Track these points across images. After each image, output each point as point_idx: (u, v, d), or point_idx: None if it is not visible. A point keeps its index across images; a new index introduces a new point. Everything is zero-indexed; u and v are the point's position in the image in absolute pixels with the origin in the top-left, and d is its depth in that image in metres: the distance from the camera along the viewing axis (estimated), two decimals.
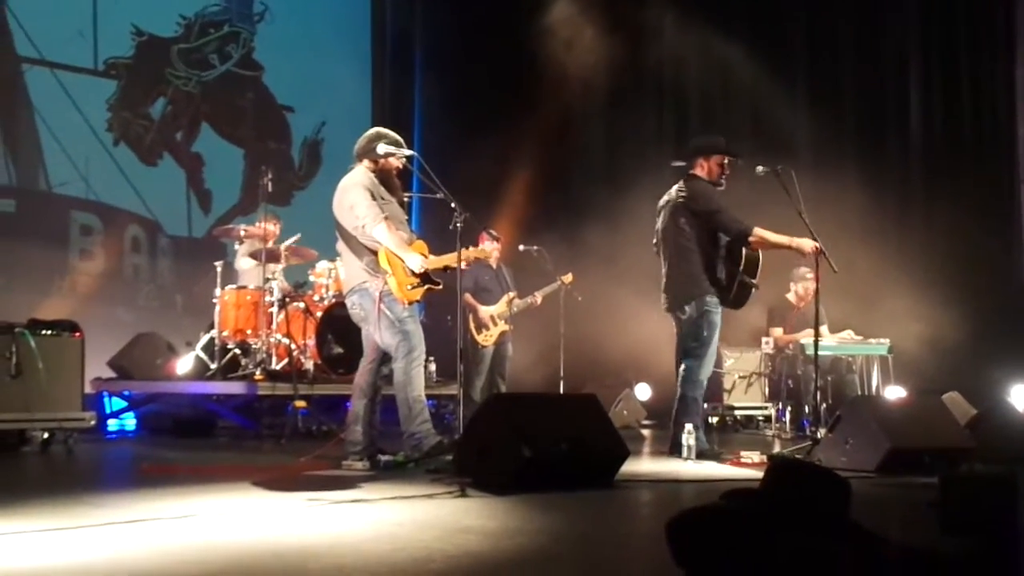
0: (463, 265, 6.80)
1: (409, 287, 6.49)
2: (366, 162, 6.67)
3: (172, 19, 12.88)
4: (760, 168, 7.46)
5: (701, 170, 7.52)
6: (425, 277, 6.53)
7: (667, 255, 7.56)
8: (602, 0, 12.33)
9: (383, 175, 6.66)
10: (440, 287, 6.64)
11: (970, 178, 11.34)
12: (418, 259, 6.47)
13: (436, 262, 6.65)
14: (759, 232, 7.26)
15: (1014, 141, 11.56)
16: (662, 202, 7.68)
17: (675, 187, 7.59)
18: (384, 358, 6.63)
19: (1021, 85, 11.51)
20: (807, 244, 7.20)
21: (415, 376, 6.49)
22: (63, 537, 3.99)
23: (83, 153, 11.85)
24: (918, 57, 12.01)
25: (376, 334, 6.52)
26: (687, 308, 7.37)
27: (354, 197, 6.49)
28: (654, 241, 7.73)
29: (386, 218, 6.46)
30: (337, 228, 6.65)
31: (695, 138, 7.93)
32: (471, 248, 7.39)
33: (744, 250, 7.32)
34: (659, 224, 7.66)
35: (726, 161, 7.54)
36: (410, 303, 6.53)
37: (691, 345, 7.37)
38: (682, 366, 7.41)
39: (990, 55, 11.73)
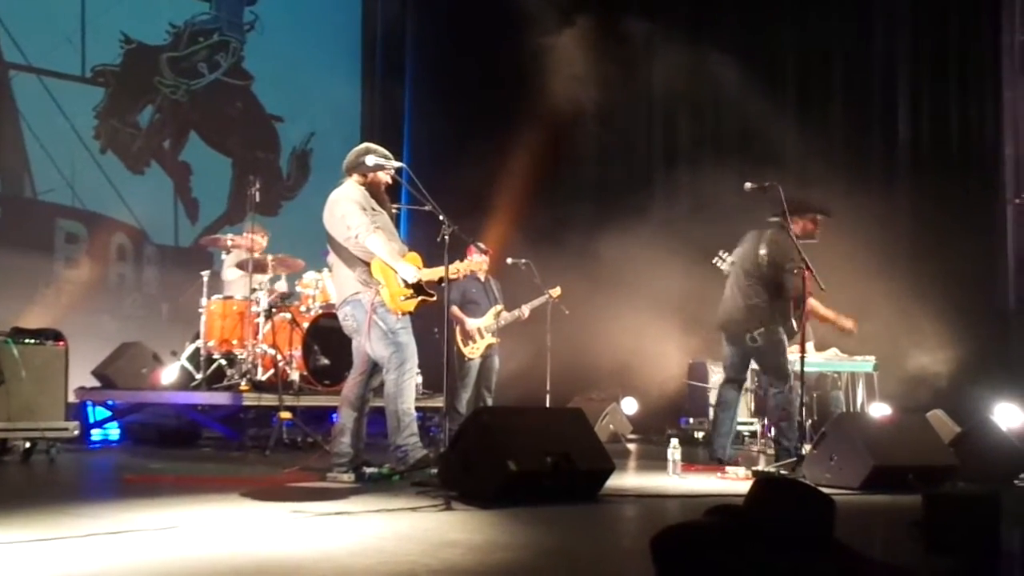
0: (456, 276, 6.84)
1: (402, 298, 6.49)
2: (355, 176, 6.68)
3: (161, 27, 12.86)
4: (748, 184, 7.55)
5: (796, 226, 7.92)
6: (418, 288, 6.53)
7: (738, 284, 8.04)
8: (593, 13, 12.36)
9: (372, 189, 6.68)
10: (434, 298, 6.65)
11: (957, 198, 11.39)
12: (412, 269, 6.47)
13: (430, 274, 6.65)
14: (812, 302, 7.87)
15: (1000, 162, 11.61)
16: (751, 234, 8.06)
17: (769, 230, 7.98)
18: (374, 370, 6.62)
19: (1008, 106, 11.57)
20: (849, 323, 8.06)
21: (406, 388, 6.49)
22: (43, 548, 3.97)
23: (69, 160, 11.82)
24: (907, 77, 12.06)
25: (367, 345, 6.51)
26: (758, 337, 7.88)
27: (346, 208, 6.50)
28: (727, 260, 8.22)
29: (378, 228, 6.47)
30: (329, 241, 6.65)
31: (791, 195, 8.12)
32: (461, 261, 7.41)
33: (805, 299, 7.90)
34: (739, 250, 8.14)
35: (819, 219, 8.06)
36: (403, 314, 6.53)
37: (774, 372, 7.92)
38: (776, 390, 7.90)
39: (978, 76, 11.79)
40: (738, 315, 8.02)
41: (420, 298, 6.55)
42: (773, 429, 8.18)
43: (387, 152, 6.79)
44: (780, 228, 7.91)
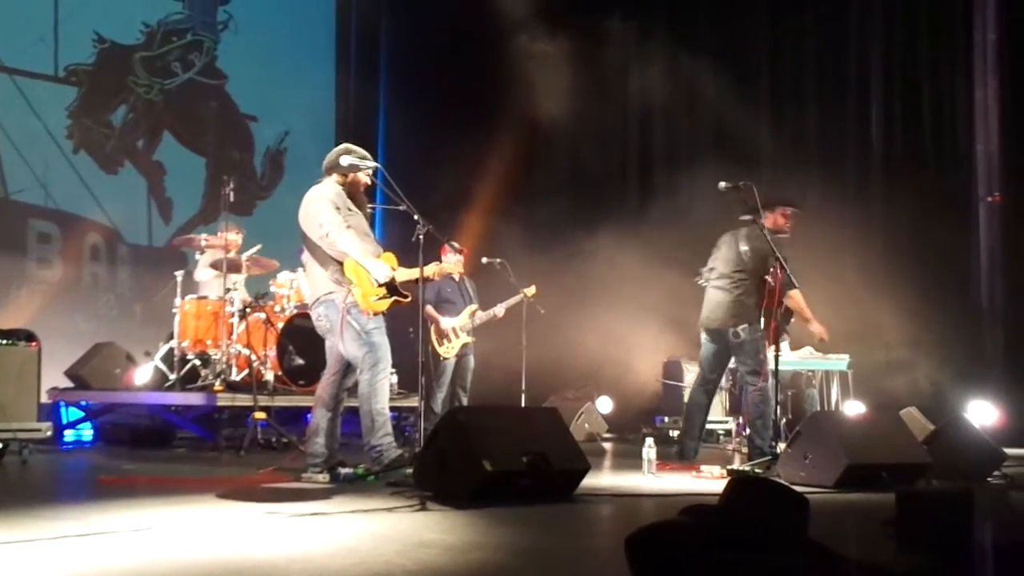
0: (431, 278, 6.83)
1: (374, 298, 6.46)
2: (335, 176, 6.66)
3: (135, 26, 12.78)
4: (722, 184, 7.61)
5: (767, 221, 8.10)
6: (392, 289, 6.51)
7: (722, 284, 8.20)
8: (570, 14, 12.37)
9: (351, 189, 6.66)
10: (408, 299, 6.63)
11: (930, 196, 11.46)
12: (384, 269, 6.45)
13: (405, 275, 6.64)
14: (795, 294, 8.08)
15: (973, 160, 11.69)
16: (727, 236, 8.27)
17: (744, 228, 8.14)
18: (347, 370, 6.61)
19: (980, 105, 11.65)
20: (820, 329, 8.37)
21: (380, 388, 6.48)
22: (15, 551, 3.94)
23: (42, 160, 11.73)
24: (879, 75, 12.12)
25: (341, 345, 6.50)
26: (741, 332, 8.04)
27: (319, 206, 6.48)
28: (708, 268, 8.39)
29: (349, 227, 6.44)
30: (303, 239, 6.63)
31: (762, 191, 8.24)
32: (437, 264, 7.40)
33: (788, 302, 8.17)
34: (717, 254, 8.30)
35: (790, 212, 8.24)
36: (375, 314, 6.51)
37: (753, 367, 8.03)
38: (753, 387, 8.03)
39: (950, 75, 11.86)
40: (723, 311, 8.15)
41: (393, 298, 6.53)
42: (748, 427, 8.25)
43: (365, 153, 6.79)
44: (753, 225, 8.04)
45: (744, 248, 8.13)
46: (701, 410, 8.44)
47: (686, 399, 10.74)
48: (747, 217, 8.09)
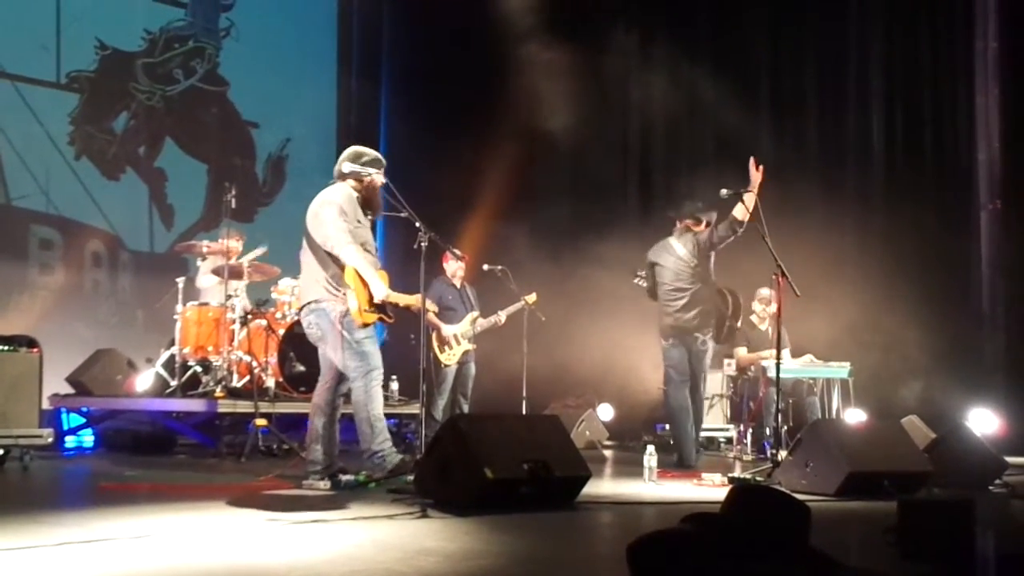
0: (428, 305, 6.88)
1: (366, 308, 6.45)
2: (351, 181, 6.62)
3: (137, 33, 12.79)
4: (724, 191, 7.67)
5: (697, 226, 8.59)
6: (380, 307, 6.51)
7: (678, 296, 8.54)
8: (572, 19, 12.37)
9: (368, 193, 6.63)
10: (392, 321, 6.64)
11: (931, 203, 11.46)
12: (382, 289, 6.43)
13: (397, 299, 6.65)
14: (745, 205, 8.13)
15: (974, 167, 11.68)
16: (658, 250, 8.68)
17: (668, 238, 8.67)
18: (341, 377, 6.60)
19: (981, 114, 11.64)
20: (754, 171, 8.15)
21: (375, 395, 6.47)
22: (16, 557, 3.93)
23: (44, 166, 11.74)
24: (881, 84, 12.12)
25: (334, 355, 6.49)
26: (708, 341, 8.55)
27: (326, 215, 6.44)
28: (654, 285, 8.75)
29: (351, 243, 6.39)
30: (305, 236, 6.58)
31: (689, 204, 8.73)
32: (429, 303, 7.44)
33: (730, 297, 8.68)
34: (663, 272, 8.60)
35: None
36: (364, 325, 6.49)
37: (705, 373, 8.72)
38: (702, 390, 8.76)
39: (951, 83, 11.86)
40: (694, 320, 8.49)
41: (379, 315, 6.53)
42: (700, 419, 8.88)
43: (376, 155, 6.72)
44: (678, 227, 8.65)
45: (682, 252, 8.51)
46: (688, 412, 8.62)
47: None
48: (672, 214, 8.68)
